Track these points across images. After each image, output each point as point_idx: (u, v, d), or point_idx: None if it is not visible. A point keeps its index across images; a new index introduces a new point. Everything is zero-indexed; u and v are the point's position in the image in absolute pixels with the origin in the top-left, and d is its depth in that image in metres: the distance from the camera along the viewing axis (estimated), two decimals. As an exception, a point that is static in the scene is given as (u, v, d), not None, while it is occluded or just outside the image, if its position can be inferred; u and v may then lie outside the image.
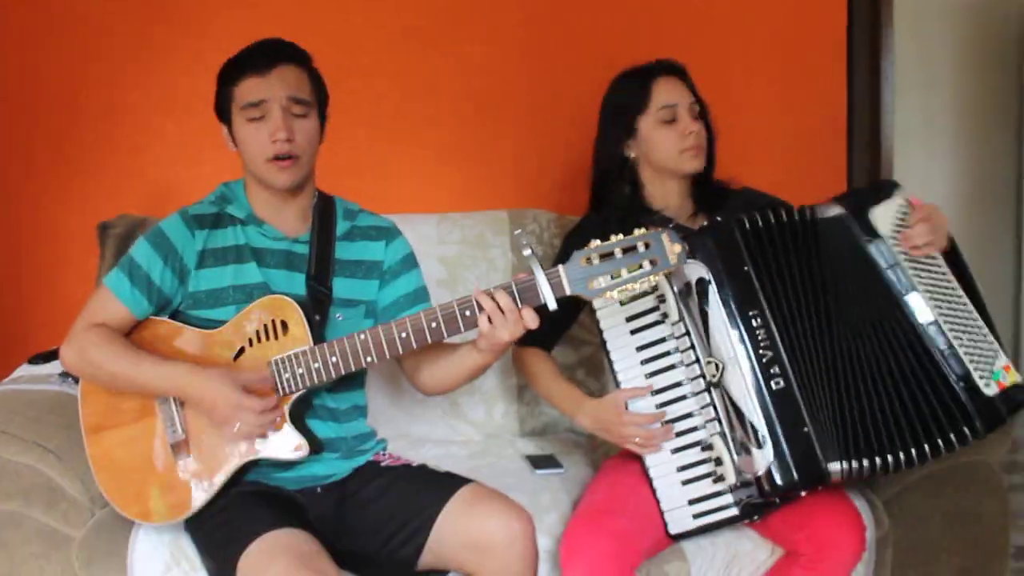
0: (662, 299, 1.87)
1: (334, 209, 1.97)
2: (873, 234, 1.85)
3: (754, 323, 1.79)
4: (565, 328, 2.17)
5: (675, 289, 1.84)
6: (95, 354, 1.79)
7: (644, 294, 1.88)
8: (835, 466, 1.77)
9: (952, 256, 1.88)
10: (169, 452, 1.82)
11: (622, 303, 1.90)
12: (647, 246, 1.61)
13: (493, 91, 2.87)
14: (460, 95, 2.87)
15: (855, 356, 1.82)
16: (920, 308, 1.81)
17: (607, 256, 1.61)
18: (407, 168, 2.88)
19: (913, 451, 1.77)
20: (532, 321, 1.68)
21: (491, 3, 2.85)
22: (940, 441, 1.77)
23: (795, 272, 1.83)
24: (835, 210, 1.88)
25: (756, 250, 1.83)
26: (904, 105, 4.29)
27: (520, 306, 1.67)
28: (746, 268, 1.81)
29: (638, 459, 1.92)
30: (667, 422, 1.87)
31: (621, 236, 1.62)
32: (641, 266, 1.61)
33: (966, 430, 1.77)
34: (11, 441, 1.92)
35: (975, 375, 1.78)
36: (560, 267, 1.64)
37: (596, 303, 1.91)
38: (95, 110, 2.84)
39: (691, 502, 1.87)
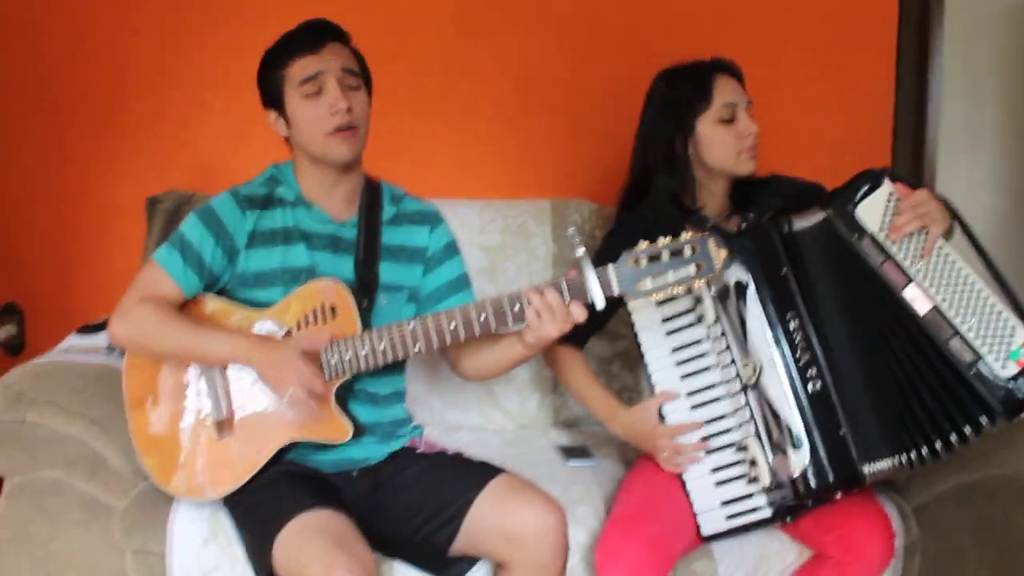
0: (698, 300, 1.87)
1: (380, 193, 1.99)
2: (861, 232, 1.81)
3: (791, 325, 1.80)
4: (598, 328, 2.17)
5: (712, 291, 1.85)
6: (152, 326, 1.79)
7: (682, 297, 1.89)
8: (868, 467, 1.79)
9: (965, 232, 1.83)
10: (213, 429, 1.85)
11: (657, 304, 1.91)
12: (694, 250, 1.63)
13: (535, 79, 2.87)
14: (502, 82, 2.87)
15: (876, 356, 1.81)
16: (917, 298, 1.77)
17: (655, 259, 1.63)
18: (449, 153, 2.89)
19: (936, 445, 1.75)
20: (580, 315, 1.69)
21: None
22: (955, 435, 1.74)
23: (822, 275, 1.83)
24: (818, 216, 1.85)
25: (793, 253, 1.83)
26: (950, 111, 4.23)
27: (568, 302, 1.69)
28: (784, 271, 1.82)
29: None
30: (703, 424, 1.88)
31: (669, 239, 1.63)
32: (688, 270, 1.63)
33: (983, 419, 1.72)
34: (57, 412, 1.95)
35: (988, 357, 1.73)
36: (610, 266, 1.65)
37: (631, 304, 1.92)
38: (144, 83, 2.86)
39: (724, 503, 1.88)
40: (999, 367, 1.72)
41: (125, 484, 1.97)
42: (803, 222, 1.86)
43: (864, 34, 2.89)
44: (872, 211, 1.82)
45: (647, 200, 2.07)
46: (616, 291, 1.65)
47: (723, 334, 1.85)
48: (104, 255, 2.90)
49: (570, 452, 2.26)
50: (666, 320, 1.92)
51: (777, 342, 1.80)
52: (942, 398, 1.75)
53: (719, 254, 1.62)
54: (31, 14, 2.87)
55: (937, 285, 1.77)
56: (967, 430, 1.73)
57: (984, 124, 4.50)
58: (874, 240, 1.81)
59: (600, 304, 1.66)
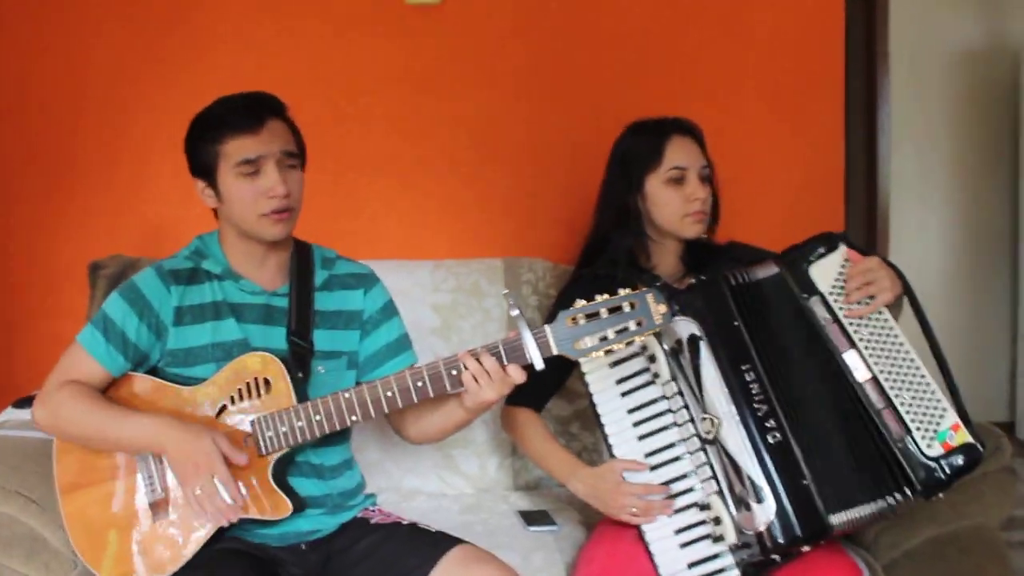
0: (652, 359, 1.86)
1: (311, 258, 1.95)
2: (812, 291, 1.85)
3: (747, 377, 1.80)
4: (555, 389, 2.16)
5: (665, 347, 1.84)
6: (68, 411, 1.76)
7: (633, 355, 1.89)
8: (835, 517, 1.76)
9: (914, 306, 1.87)
10: (147, 511, 1.79)
11: (611, 365, 1.90)
12: (632, 306, 1.62)
13: (488, 137, 2.85)
14: (456, 140, 2.85)
15: (828, 409, 1.82)
16: (857, 365, 1.80)
17: (593, 316, 1.62)
18: (404, 212, 2.86)
19: (888, 500, 1.78)
20: (518, 376, 1.67)
21: (487, 49, 2.84)
22: (894, 496, 1.77)
23: (774, 328, 1.85)
24: (771, 270, 1.88)
25: (744, 305, 1.84)
26: (899, 155, 4.30)
27: (507, 364, 1.67)
28: (736, 323, 1.83)
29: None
30: (663, 483, 1.85)
31: (607, 296, 1.63)
32: (627, 327, 1.62)
33: (907, 490, 1.76)
34: None
35: (916, 434, 1.76)
36: (546, 327, 1.64)
37: (584, 367, 1.91)
38: (92, 143, 2.82)
39: (690, 565, 1.83)
40: (925, 445, 1.76)
41: (65, 565, 1.89)
42: (757, 274, 1.89)
43: (814, 80, 2.90)
44: (825, 273, 1.86)
45: (604, 257, 2.08)
46: (555, 350, 1.64)
47: (679, 391, 1.83)
48: (49, 322, 2.82)
49: (531, 517, 2.21)
50: (621, 381, 1.90)
51: (733, 395, 1.79)
52: (877, 461, 1.78)
53: (658, 309, 1.62)
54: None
55: (878, 356, 1.81)
56: (896, 496, 1.77)
57: (934, 168, 4.58)
58: (824, 300, 1.84)
59: (539, 365, 1.65)
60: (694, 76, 2.87)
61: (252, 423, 1.76)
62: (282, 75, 2.76)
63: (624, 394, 1.89)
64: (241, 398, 1.79)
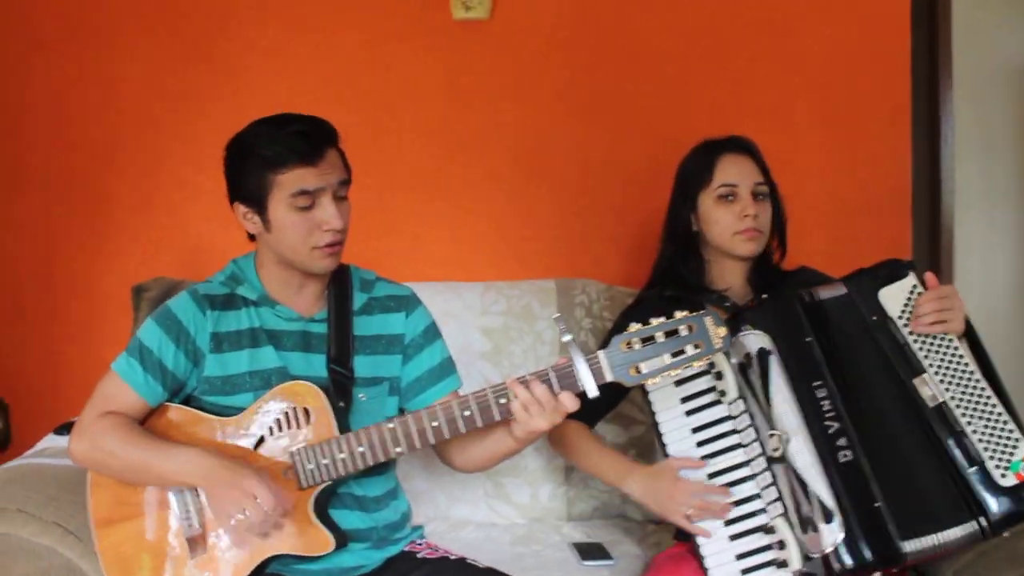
0: (719, 376, 1.81)
1: (350, 281, 1.87)
2: (881, 314, 1.82)
3: (819, 394, 1.75)
4: (608, 409, 2.10)
5: (733, 362, 1.80)
6: (110, 443, 1.70)
7: (700, 373, 1.83)
8: (908, 545, 1.68)
9: (972, 342, 1.83)
10: (185, 547, 1.72)
11: (676, 384, 1.85)
12: (690, 329, 1.57)
13: (538, 152, 2.78)
14: (504, 156, 2.78)
15: (900, 433, 1.77)
16: (927, 390, 1.76)
17: (648, 340, 1.57)
18: (446, 231, 2.80)
19: (962, 531, 1.71)
20: (572, 405, 1.61)
21: (533, 64, 2.77)
22: (969, 527, 1.70)
23: (845, 347, 1.81)
24: (840, 290, 1.85)
25: (815, 322, 1.81)
26: (962, 172, 4.17)
27: (558, 392, 1.60)
28: (808, 339, 1.79)
29: (690, 554, 1.82)
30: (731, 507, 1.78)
31: (663, 319, 1.58)
32: (684, 351, 1.57)
33: (982, 521, 1.70)
34: (29, 520, 1.85)
35: (989, 464, 1.71)
36: (600, 353, 1.59)
37: (648, 385, 1.84)
38: (131, 165, 2.80)
39: None
40: (999, 475, 1.71)
41: (103, 598, 1.84)
42: (825, 293, 1.85)
43: (876, 97, 2.80)
44: (894, 298, 1.83)
45: (668, 279, 2.06)
46: (608, 377, 1.59)
47: (746, 409, 1.78)
48: (92, 347, 2.80)
49: (585, 551, 2.14)
50: (686, 399, 1.85)
51: (803, 410, 1.74)
52: (950, 489, 1.72)
53: (718, 332, 1.56)
54: (14, 92, 2.83)
55: (948, 382, 1.77)
56: (972, 528, 1.70)
57: (998, 184, 4.43)
58: (893, 324, 1.82)
59: (592, 392, 1.59)
60: (745, 92, 2.78)
61: (292, 455, 1.70)
62: (321, 89, 2.73)
63: (689, 413, 1.85)
64: (280, 428, 1.73)
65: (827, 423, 1.73)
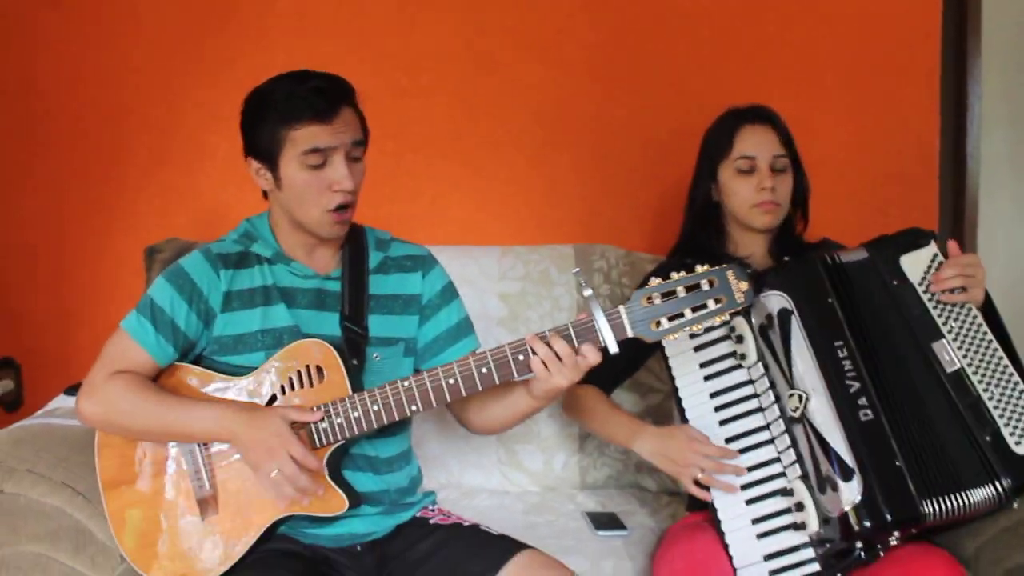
0: (740, 339, 1.82)
1: (365, 240, 1.85)
2: (902, 279, 1.84)
3: (840, 354, 1.76)
4: (628, 374, 2.11)
5: (754, 323, 1.81)
6: (125, 403, 1.67)
7: (720, 339, 1.84)
8: (929, 505, 1.68)
9: (988, 313, 1.84)
10: (195, 508, 1.71)
11: (695, 349, 1.85)
12: (711, 284, 1.56)
13: (559, 116, 2.74)
14: (525, 120, 2.74)
15: (916, 396, 1.78)
16: (946, 356, 1.79)
17: (669, 295, 1.56)
18: (466, 195, 2.76)
19: (979, 494, 1.72)
20: (594, 358, 1.58)
21: (558, 24, 2.72)
22: (986, 490, 1.72)
23: (866, 309, 1.83)
24: (862, 254, 1.88)
25: (837, 284, 1.82)
26: (988, 141, 4.09)
27: (578, 347, 1.57)
28: (830, 299, 1.80)
29: (705, 523, 1.82)
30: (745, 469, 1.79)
31: (683, 273, 1.58)
32: (706, 305, 1.56)
33: (997, 486, 1.72)
34: (38, 481, 1.83)
35: (1004, 430, 1.74)
36: (621, 307, 1.58)
37: (668, 350, 1.86)
38: (145, 125, 2.78)
39: (767, 557, 1.75)
40: (1013, 442, 1.73)
41: (112, 559, 1.82)
42: (847, 257, 1.87)
43: (905, 63, 2.75)
44: (915, 264, 1.85)
45: (692, 247, 2.07)
46: (630, 332, 1.57)
47: (765, 372, 1.79)
48: (104, 308, 2.79)
49: (599, 520, 2.12)
50: (705, 364, 1.86)
51: (824, 369, 1.74)
52: (968, 452, 1.74)
53: (740, 286, 1.55)
54: (28, 52, 2.80)
55: (966, 349, 1.80)
56: (989, 492, 1.72)
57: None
58: (913, 290, 1.83)
59: (613, 348, 1.57)
60: (774, 58, 2.73)
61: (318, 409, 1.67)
62: (340, 51, 2.68)
63: (708, 378, 1.85)
64: (292, 387, 1.70)
65: (848, 383, 1.72)
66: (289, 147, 1.68)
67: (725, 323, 1.62)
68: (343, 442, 1.68)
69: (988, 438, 1.73)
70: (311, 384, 1.69)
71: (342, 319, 1.76)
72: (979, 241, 3.91)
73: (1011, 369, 1.78)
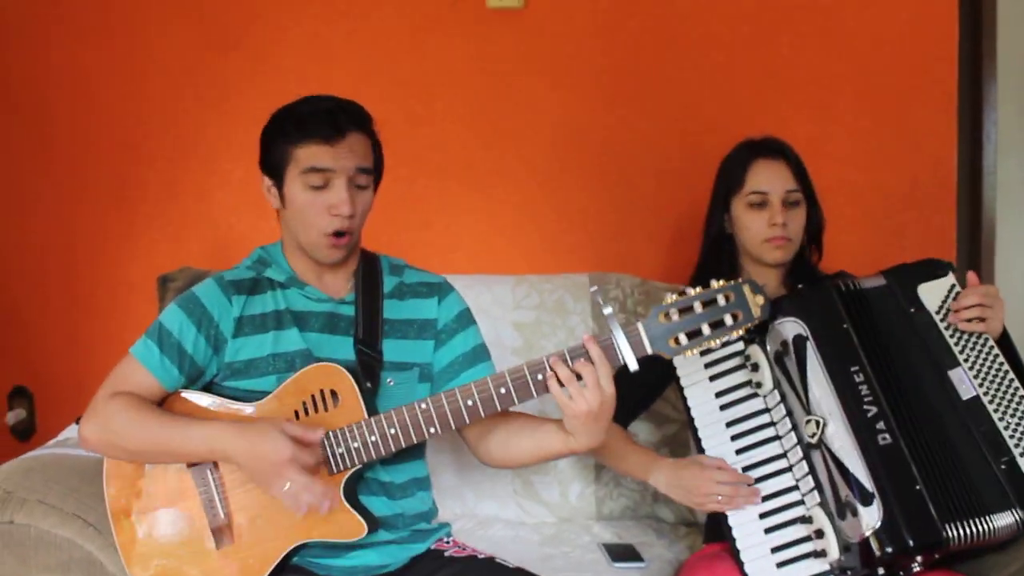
0: (755, 368, 1.82)
1: (379, 265, 1.85)
2: (919, 307, 1.85)
3: (856, 378, 1.75)
4: (644, 407, 2.10)
5: (769, 351, 1.80)
6: (122, 422, 1.65)
7: (736, 367, 1.84)
8: (951, 530, 1.66)
9: (1004, 346, 1.84)
10: (209, 538, 1.68)
11: (711, 378, 1.85)
12: (728, 299, 1.56)
13: (572, 143, 2.73)
14: (539, 146, 2.73)
15: (933, 422, 1.77)
16: (962, 384, 1.79)
17: (686, 311, 1.55)
18: (479, 222, 2.75)
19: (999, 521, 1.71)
20: (607, 377, 1.56)
21: (568, 52, 2.71)
22: (1006, 518, 1.71)
23: (883, 335, 1.83)
24: (879, 281, 1.88)
25: (853, 310, 1.82)
26: (1004, 166, 4.07)
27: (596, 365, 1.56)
28: (845, 326, 1.80)
29: (724, 553, 1.81)
30: (763, 498, 1.78)
31: (699, 289, 1.57)
32: (723, 320, 1.55)
33: (1016, 513, 1.71)
34: (49, 512, 1.82)
35: (1020, 460, 1.74)
36: (639, 323, 1.57)
37: (684, 380, 1.85)
38: (158, 152, 2.79)
39: None
40: None
41: (123, 592, 1.82)
42: (864, 283, 1.88)
43: (921, 87, 2.72)
44: (933, 293, 1.86)
45: (707, 278, 2.01)
46: (649, 349, 1.56)
47: (782, 399, 1.78)
48: (117, 337, 2.74)
49: (616, 552, 2.09)
50: (721, 394, 1.85)
51: (840, 393, 1.73)
52: (985, 478, 1.74)
53: (756, 300, 1.55)
54: (40, 79, 2.82)
55: (982, 378, 1.80)
56: (1009, 520, 1.71)
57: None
58: (930, 317, 1.84)
59: (632, 365, 1.56)
60: (789, 82, 2.72)
61: (322, 439, 1.64)
62: (353, 77, 2.69)
63: (724, 407, 1.84)
64: (307, 413, 1.68)
65: (866, 407, 1.72)
66: (293, 164, 1.70)
67: (742, 346, 1.67)
68: (360, 467, 1.66)
69: (1004, 467, 1.73)
70: (325, 408, 1.67)
71: (356, 343, 1.75)
72: (996, 266, 3.88)
73: None
